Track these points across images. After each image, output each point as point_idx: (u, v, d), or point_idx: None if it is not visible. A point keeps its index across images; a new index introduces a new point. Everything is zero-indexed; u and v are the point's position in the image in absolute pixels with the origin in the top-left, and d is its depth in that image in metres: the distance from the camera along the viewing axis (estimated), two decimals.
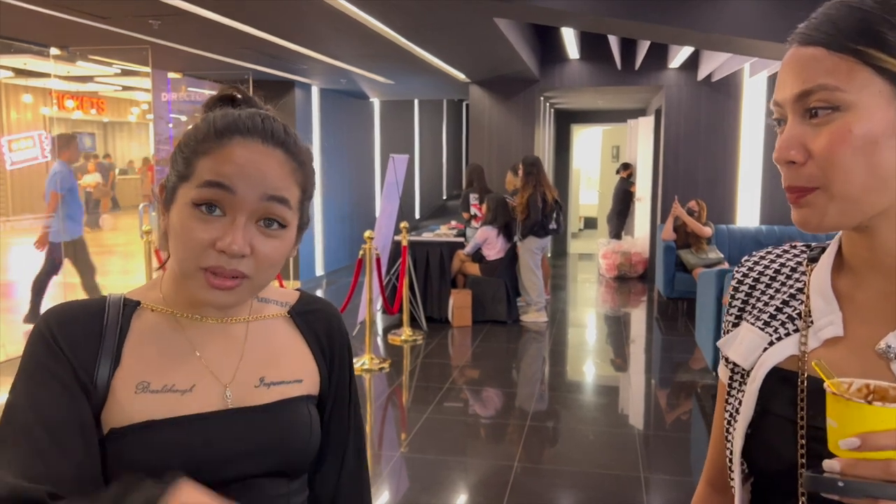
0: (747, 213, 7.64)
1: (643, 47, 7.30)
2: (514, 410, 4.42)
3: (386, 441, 3.95)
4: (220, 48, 6.01)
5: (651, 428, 4.19)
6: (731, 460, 0.75)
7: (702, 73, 7.57)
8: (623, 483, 3.34)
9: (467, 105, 10.21)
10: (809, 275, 0.77)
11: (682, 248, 6.66)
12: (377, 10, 4.54)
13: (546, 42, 7.85)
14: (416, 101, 13.10)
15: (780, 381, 0.72)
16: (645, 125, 9.32)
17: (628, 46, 7.59)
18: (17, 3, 4.22)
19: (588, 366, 5.65)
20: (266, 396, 0.87)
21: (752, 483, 0.76)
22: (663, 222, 7.22)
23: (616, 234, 10.01)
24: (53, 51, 6.10)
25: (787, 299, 0.77)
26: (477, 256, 6.51)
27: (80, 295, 6.46)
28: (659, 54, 7.58)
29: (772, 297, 0.79)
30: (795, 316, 0.75)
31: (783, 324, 0.75)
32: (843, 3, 0.66)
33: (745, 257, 0.86)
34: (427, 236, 6.88)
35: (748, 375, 0.75)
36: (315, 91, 8.62)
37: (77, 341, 0.81)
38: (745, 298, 0.82)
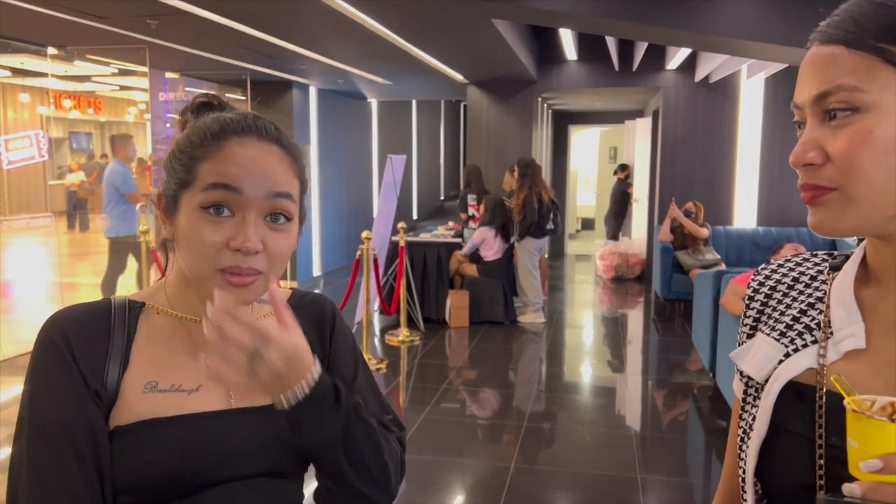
0: (744, 214, 7.65)
1: (641, 49, 7.32)
2: (511, 411, 4.42)
3: None
4: (217, 48, 6.00)
5: (648, 429, 4.20)
6: (743, 480, 0.72)
7: (699, 75, 7.58)
8: (620, 484, 3.34)
9: (465, 106, 10.23)
10: (831, 283, 0.72)
11: (679, 250, 6.67)
12: (375, 10, 4.54)
13: (544, 43, 7.85)
14: (413, 102, 13.11)
15: (797, 396, 0.68)
16: (642, 126, 9.33)
17: (626, 48, 7.61)
18: (14, 3, 4.21)
19: (585, 367, 5.65)
20: (267, 396, 0.88)
21: None
22: (660, 223, 7.23)
23: (613, 235, 10.02)
24: (51, 50, 6.10)
25: (806, 308, 0.72)
26: (474, 257, 6.52)
27: (82, 295, 6.45)
28: (656, 56, 7.60)
29: (789, 307, 0.75)
30: (814, 326, 0.70)
31: (800, 334, 0.71)
32: (866, 0, 0.63)
33: (762, 266, 0.82)
34: (424, 237, 6.88)
35: (762, 389, 0.71)
36: (313, 91, 8.62)
37: (85, 345, 0.83)
38: (761, 308, 0.78)
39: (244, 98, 7.63)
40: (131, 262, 6.04)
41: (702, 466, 3.74)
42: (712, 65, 6.89)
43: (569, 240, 11.69)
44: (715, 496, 0.88)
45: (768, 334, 0.74)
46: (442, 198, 15.77)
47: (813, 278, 0.75)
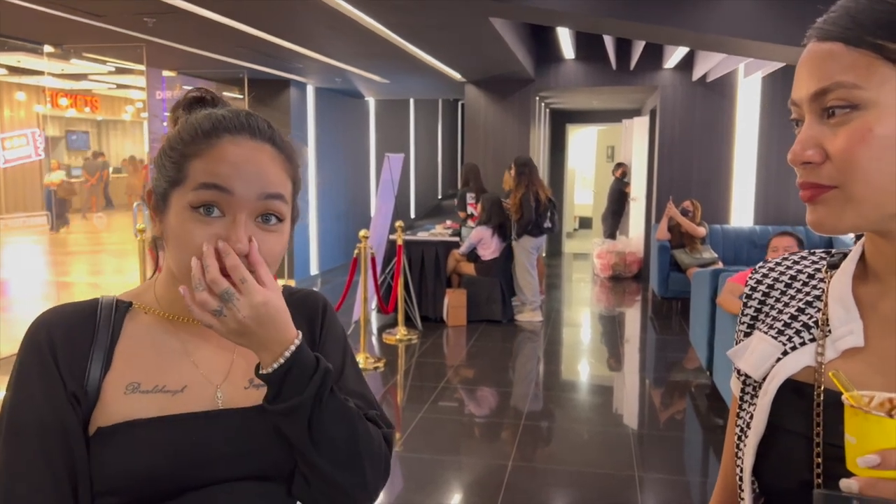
0: (741, 213, 7.66)
1: (638, 47, 7.32)
2: (508, 410, 4.42)
3: None
4: (215, 46, 5.99)
5: (645, 427, 4.20)
6: (741, 478, 0.72)
7: (696, 74, 7.59)
8: (617, 482, 3.35)
9: (463, 104, 10.22)
10: (829, 281, 0.72)
11: (676, 248, 6.68)
12: (373, 8, 4.53)
13: (541, 42, 7.85)
14: (411, 101, 13.10)
15: (795, 393, 0.67)
16: (640, 125, 9.34)
17: (623, 47, 7.61)
18: (11, 0, 4.20)
19: (582, 365, 5.66)
20: (255, 397, 0.85)
21: (764, 503, 0.72)
22: (658, 222, 7.24)
23: (611, 233, 10.03)
24: (47, 48, 6.07)
25: (804, 307, 0.72)
26: (472, 256, 6.52)
27: (75, 293, 6.43)
28: (654, 54, 7.60)
29: (786, 305, 0.74)
30: (812, 324, 0.70)
31: (798, 332, 0.70)
32: None
33: (760, 264, 0.81)
34: (422, 235, 6.88)
35: (760, 388, 0.71)
36: (310, 90, 8.61)
37: (70, 346, 0.82)
38: (758, 307, 0.77)
39: (241, 97, 7.61)
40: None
41: (699, 464, 3.75)
42: (709, 64, 6.90)
43: (566, 238, 11.70)
44: (712, 494, 0.88)
45: (766, 332, 0.73)
46: (440, 196, 15.76)
47: (811, 276, 0.75)
